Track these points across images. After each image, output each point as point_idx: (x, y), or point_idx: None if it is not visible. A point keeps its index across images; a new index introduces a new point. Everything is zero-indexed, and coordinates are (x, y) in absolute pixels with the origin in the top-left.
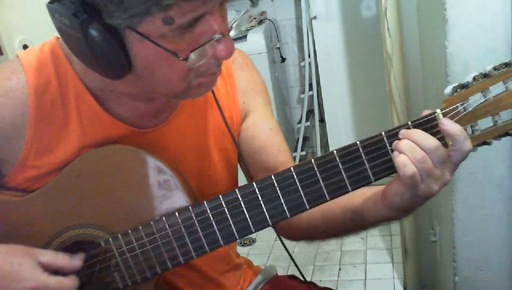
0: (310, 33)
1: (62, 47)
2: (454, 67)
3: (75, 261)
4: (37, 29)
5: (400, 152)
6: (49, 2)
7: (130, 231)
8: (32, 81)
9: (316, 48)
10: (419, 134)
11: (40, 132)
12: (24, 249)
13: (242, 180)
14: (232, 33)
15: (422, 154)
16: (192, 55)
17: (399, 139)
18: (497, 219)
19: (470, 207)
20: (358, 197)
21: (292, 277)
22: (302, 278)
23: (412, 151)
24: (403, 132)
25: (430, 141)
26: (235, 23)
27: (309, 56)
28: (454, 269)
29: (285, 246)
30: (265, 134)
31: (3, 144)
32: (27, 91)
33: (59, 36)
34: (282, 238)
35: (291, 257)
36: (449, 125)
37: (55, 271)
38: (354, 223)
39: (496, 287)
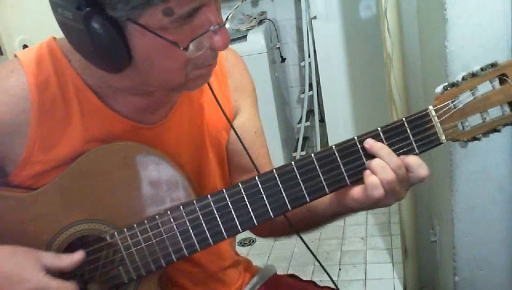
0: (310, 33)
1: (59, 45)
2: (454, 67)
3: (76, 256)
4: (37, 29)
5: (372, 172)
6: None
7: (135, 225)
8: (32, 79)
9: (316, 48)
10: (386, 151)
11: (42, 128)
12: (27, 250)
13: None
14: (227, 25)
15: (392, 176)
16: (192, 46)
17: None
18: (497, 219)
19: (470, 207)
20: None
21: (292, 276)
22: (302, 278)
23: (383, 171)
24: (370, 142)
25: (395, 161)
26: (230, 15)
27: (309, 56)
28: (454, 269)
29: (304, 242)
30: (250, 137)
31: (5, 142)
32: (28, 89)
33: (56, 36)
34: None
35: (309, 248)
36: (405, 158)
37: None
38: (311, 220)
39: (496, 287)
